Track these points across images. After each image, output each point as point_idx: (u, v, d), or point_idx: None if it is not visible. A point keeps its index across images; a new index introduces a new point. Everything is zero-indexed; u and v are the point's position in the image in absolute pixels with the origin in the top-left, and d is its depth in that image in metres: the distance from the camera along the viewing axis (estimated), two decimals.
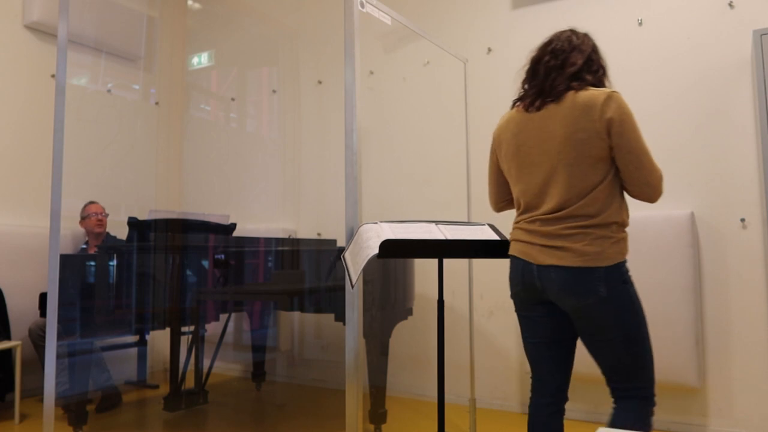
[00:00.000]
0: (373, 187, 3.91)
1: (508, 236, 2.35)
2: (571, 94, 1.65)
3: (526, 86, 1.81)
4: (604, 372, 1.71)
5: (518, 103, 1.81)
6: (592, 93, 1.63)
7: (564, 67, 1.70)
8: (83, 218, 3.71)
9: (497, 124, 1.88)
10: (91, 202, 3.74)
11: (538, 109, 1.71)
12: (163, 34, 4.77)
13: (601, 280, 1.61)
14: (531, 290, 1.73)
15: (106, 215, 3.75)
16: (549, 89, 1.69)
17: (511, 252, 1.81)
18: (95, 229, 3.67)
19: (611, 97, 1.61)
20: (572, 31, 1.79)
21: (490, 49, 3.59)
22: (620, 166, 1.65)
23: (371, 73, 3.97)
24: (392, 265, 2.85)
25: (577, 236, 1.62)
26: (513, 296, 1.83)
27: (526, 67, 1.82)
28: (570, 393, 3.20)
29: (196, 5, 4.97)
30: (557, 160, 1.66)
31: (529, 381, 3.24)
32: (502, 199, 1.96)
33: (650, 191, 1.66)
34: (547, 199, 1.69)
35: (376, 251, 1.69)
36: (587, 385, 3.14)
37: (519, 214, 1.81)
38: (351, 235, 1.90)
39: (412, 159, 3.80)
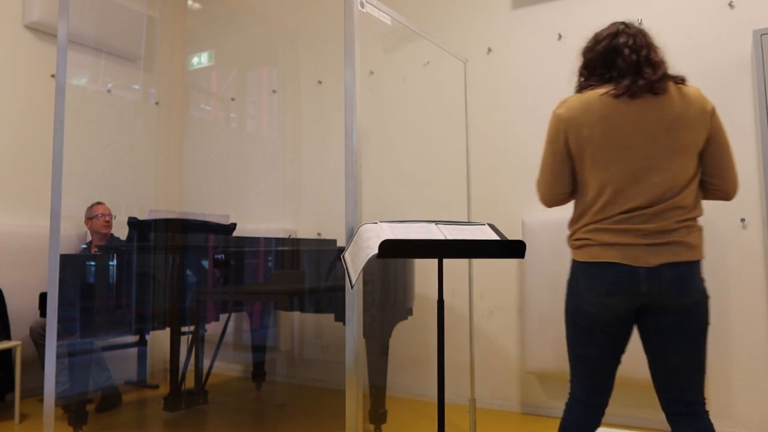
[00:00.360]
0: (373, 187, 3.91)
1: (508, 237, 2.33)
2: (672, 85, 1.65)
3: (585, 73, 1.77)
4: (675, 378, 1.64)
5: (590, 88, 1.71)
6: (690, 87, 1.67)
7: (653, 64, 1.68)
8: (89, 218, 3.70)
9: (565, 105, 1.72)
10: (98, 203, 3.74)
11: (632, 96, 1.63)
12: (163, 34, 4.77)
13: (700, 273, 1.62)
14: (632, 298, 1.61)
15: (114, 217, 3.75)
16: (647, 82, 1.64)
17: (598, 258, 1.63)
18: (101, 230, 3.67)
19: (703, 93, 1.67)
20: (638, 28, 1.77)
21: (490, 49, 3.59)
22: (712, 160, 1.66)
23: (371, 73, 3.97)
24: (392, 265, 2.85)
25: (683, 230, 1.60)
26: (602, 308, 1.65)
27: (588, 54, 1.78)
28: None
29: (196, 5, 4.97)
30: (665, 145, 1.61)
31: (530, 381, 3.20)
32: (564, 191, 1.76)
33: (732, 187, 1.69)
34: (645, 188, 1.61)
35: (376, 251, 1.69)
36: None
37: (598, 210, 1.65)
38: (351, 235, 1.90)
39: (412, 159, 3.80)
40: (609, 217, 1.64)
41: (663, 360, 1.65)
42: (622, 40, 1.72)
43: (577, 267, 1.71)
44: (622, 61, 1.69)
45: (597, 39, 1.78)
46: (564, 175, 1.74)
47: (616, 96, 1.64)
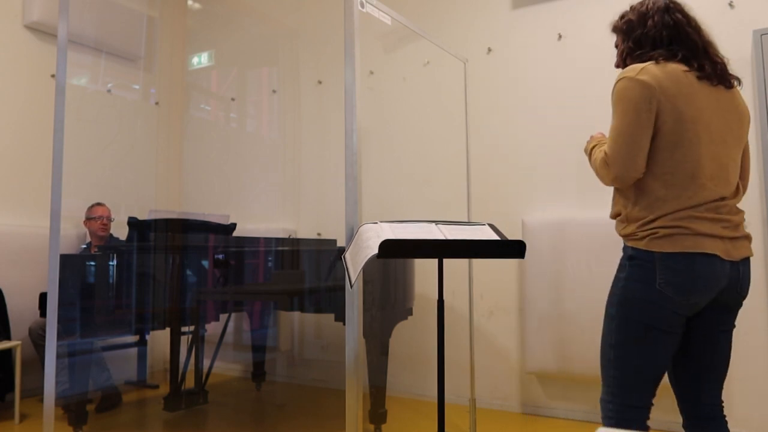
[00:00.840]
0: (373, 187, 3.91)
1: (508, 236, 2.32)
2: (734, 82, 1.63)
3: (638, 48, 1.63)
4: (709, 377, 1.60)
5: (662, 59, 1.55)
6: None
7: (714, 46, 1.62)
8: (88, 219, 3.70)
9: (647, 73, 1.51)
10: (98, 204, 3.73)
11: (711, 82, 1.55)
12: (163, 34, 4.77)
13: None
14: (714, 293, 1.52)
15: (112, 220, 3.74)
16: (723, 72, 1.58)
17: (694, 249, 1.46)
18: (98, 232, 3.66)
19: None
20: (681, 4, 1.66)
21: (490, 49, 3.59)
22: (744, 160, 1.68)
23: (371, 73, 3.97)
24: (392, 265, 2.85)
25: (742, 225, 1.60)
26: (683, 306, 1.50)
27: (637, 29, 1.62)
28: (569, 393, 3.20)
29: (196, 5, 4.97)
30: (736, 136, 1.59)
31: (530, 381, 3.20)
32: (644, 166, 1.52)
33: (746, 189, 1.70)
34: (729, 176, 1.55)
35: (376, 251, 1.69)
36: (587, 385, 3.14)
37: (692, 195, 1.49)
38: (351, 235, 1.90)
39: (412, 159, 3.80)
40: (702, 203, 1.49)
41: (703, 360, 1.60)
42: (677, 16, 1.61)
43: (654, 258, 1.49)
44: (689, 40, 1.58)
45: (643, 13, 1.63)
46: (646, 148, 1.51)
47: (699, 78, 1.53)
